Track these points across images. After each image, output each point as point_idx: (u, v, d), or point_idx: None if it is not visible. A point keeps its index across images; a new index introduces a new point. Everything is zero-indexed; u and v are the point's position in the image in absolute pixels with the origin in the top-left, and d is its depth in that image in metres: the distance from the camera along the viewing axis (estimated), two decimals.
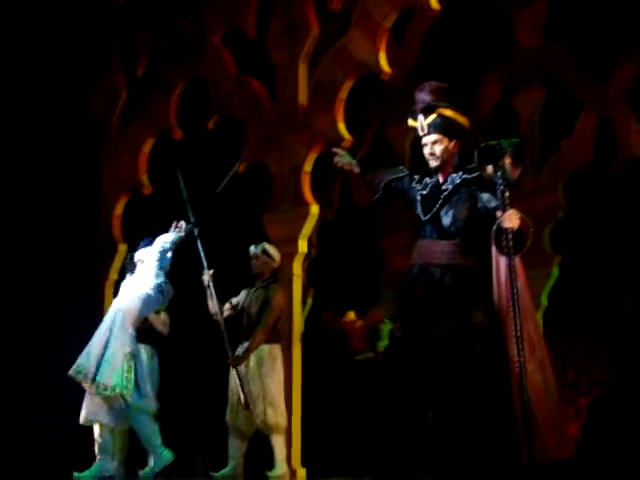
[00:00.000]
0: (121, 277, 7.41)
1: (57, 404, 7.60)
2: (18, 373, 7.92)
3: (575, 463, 4.59)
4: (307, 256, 7.47)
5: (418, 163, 4.89)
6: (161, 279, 6.26)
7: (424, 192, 4.71)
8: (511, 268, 4.34)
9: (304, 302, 7.57)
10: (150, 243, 6.39)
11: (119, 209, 8.32)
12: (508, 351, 4.35)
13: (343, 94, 7.38)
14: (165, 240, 6.26)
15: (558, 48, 7.09)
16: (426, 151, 4.69)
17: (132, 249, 6.99)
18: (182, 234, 6.31)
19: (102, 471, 6.15)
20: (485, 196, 4.51)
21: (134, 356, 6.20)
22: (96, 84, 8.67)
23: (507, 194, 4.36)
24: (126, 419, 6.20)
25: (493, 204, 4.46)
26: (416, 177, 4.81)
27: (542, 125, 7.27)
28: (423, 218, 4.67)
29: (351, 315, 7.85)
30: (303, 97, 7.55)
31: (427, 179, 4.74)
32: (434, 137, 4.66)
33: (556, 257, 7.05)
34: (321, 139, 7.39)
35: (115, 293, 7.66)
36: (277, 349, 6.63)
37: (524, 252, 4.39)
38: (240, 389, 6.33)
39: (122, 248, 8.08)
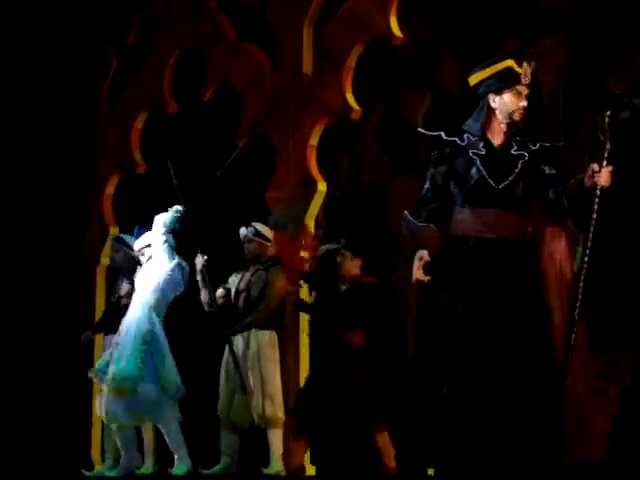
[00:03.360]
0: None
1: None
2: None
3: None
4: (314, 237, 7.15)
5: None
6: (176, 258, 6.16)
7: (481, 152, 4.27)
8: (587, 241, 4.29)
9: None
10: (142, 230, 6.27)
11: (110, 189, 8.13)
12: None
13: (351, 61, 7.14)
14: (164, 220, 6.14)
15: (585, 11, 6.62)
16: (519, 103, 4.27)
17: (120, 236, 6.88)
18: (178, 214, 6.17)
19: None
20: (555, 172, 4.26)
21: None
22: (85, 55, 8.45)
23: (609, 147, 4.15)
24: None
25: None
26: (454, 139, 4.32)
27: (566, 96, 6.88)
28: (496, 186, 4.25)
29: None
30: (308, 65, 7.33)
31: (469, 135, 4.31)
32: (527, 91, 4.28)
33: (580, 235, 6.70)
34: (327, 111, 7.17)
35: (108, 279, 7.68)
36: (275, 337, 6.52)
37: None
38: (236, 370, 6.24)
39: (114, 231, 7.85)
